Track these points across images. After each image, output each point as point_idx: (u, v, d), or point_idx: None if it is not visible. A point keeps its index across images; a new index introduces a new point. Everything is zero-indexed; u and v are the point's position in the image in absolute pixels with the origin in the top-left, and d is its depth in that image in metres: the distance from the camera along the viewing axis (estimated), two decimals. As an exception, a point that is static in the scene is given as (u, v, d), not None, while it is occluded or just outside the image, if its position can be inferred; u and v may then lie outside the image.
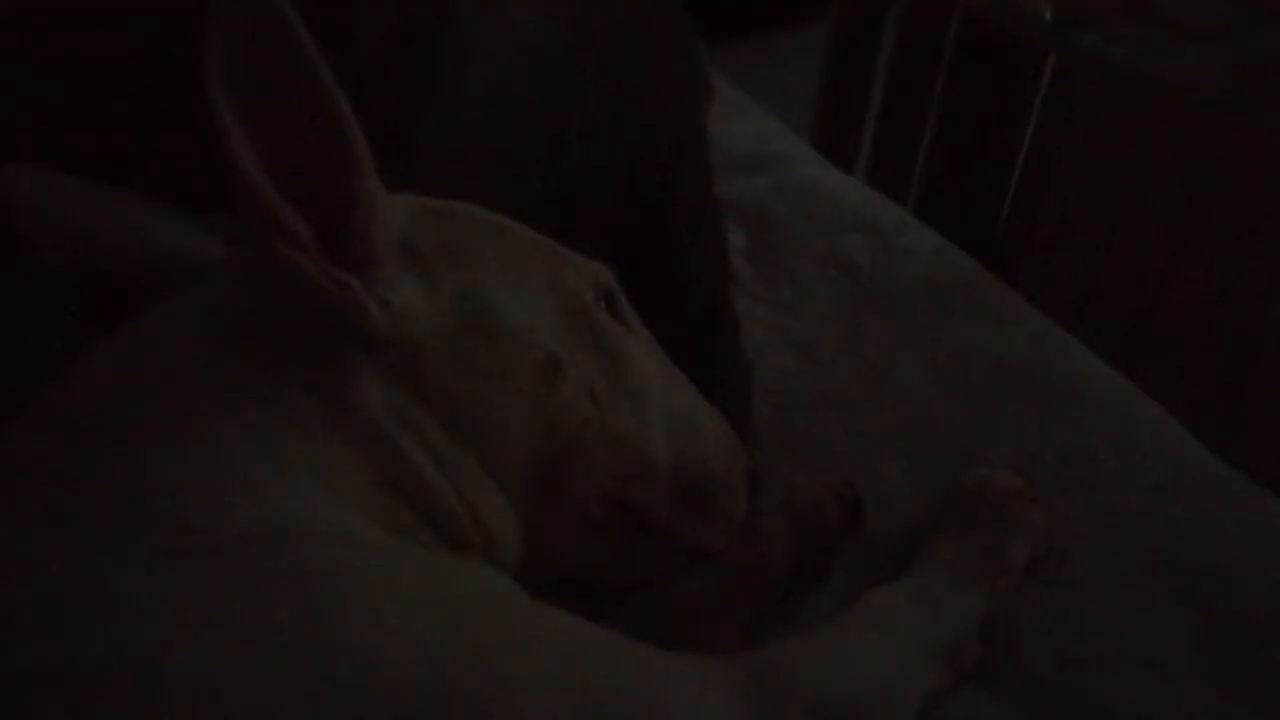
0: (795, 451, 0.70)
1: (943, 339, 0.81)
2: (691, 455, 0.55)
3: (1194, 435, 0.75)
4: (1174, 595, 0.64)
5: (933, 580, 0.58)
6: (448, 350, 0.45)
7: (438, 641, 0.37)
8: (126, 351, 0.42)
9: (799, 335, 0.80)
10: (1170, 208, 1.17)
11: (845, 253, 0.88)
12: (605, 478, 0.51)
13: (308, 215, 0.41)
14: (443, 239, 0.47)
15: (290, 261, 0.40)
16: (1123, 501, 0.69)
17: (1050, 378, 0.79)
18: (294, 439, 0.40)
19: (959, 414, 0.75)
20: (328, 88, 0.41)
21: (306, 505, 0.39)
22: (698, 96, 0.78)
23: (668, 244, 0.64)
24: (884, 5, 1.45)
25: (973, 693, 0.57)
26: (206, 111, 0.38)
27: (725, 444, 0.58)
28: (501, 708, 0.37)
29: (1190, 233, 1.15)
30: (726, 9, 2.12)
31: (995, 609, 0.59)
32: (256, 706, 0.33)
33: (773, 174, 0.98)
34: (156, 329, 0.43)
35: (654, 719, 0.41)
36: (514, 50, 0.60)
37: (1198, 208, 1.15)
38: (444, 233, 0.48)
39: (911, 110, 1.47)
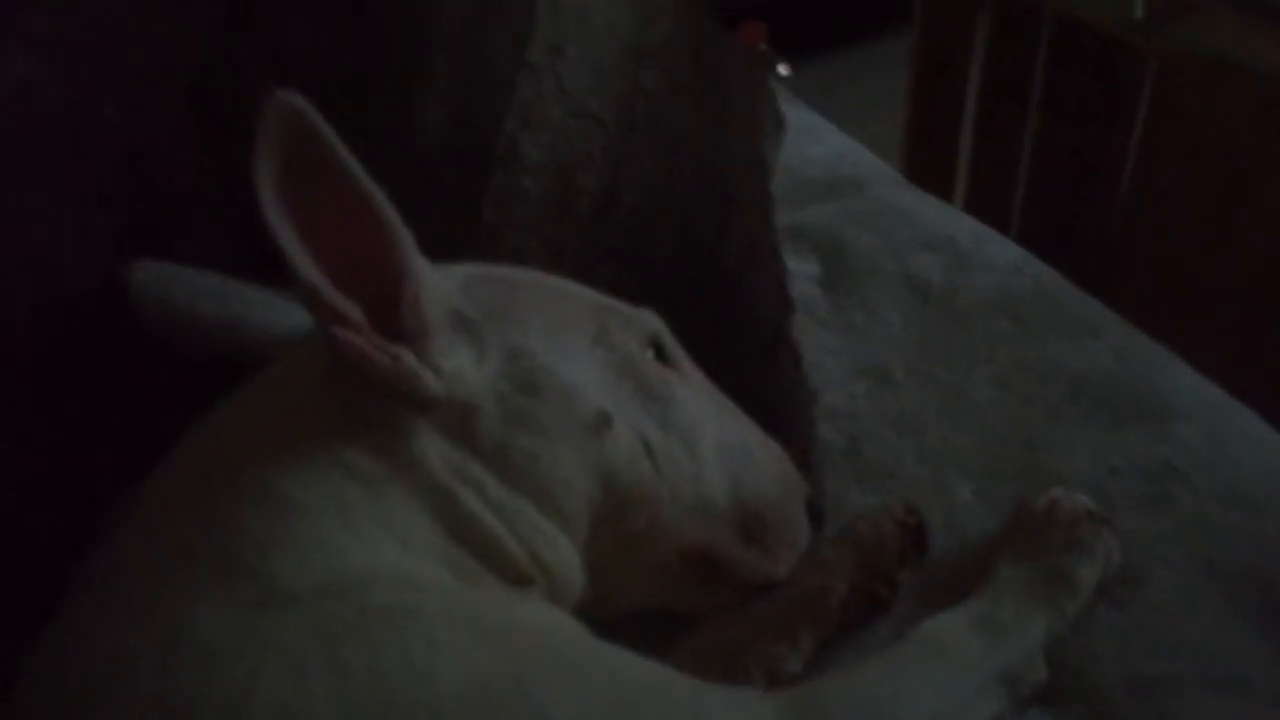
0: (864, 477, 0.72)
1: (1019, 355, 0.81)
2: (748, 489, 0.58)
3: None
4: (1259, 615, 0.62)
5: (995, 605, 0.58)
6: (500, 409, 0.49)
7: (487, 671, 0.41)
8: (224, 424, 0.49)
9: (870, 359, 0.81)
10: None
11: (918, 272, 0.88)
12: (674, 526, 0.54)
13: (361, 297, 0.46)
14: (491, 304, 0.52)
15: (346, 342, 0.46)
16: (1207, 517, 0.68)
17: (1133, 390, 0.77)
18: (363, 496, 0.46)
19: (1035, 431, 0.75)
20: (365, 187, 0.46)
21: (375, 555, 0.44)
22: (759, 134, 0.81)
23: (721, 281, 0.67)
24: (971, 15, 1.43)
25: (1040, 716, 0.58)
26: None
27: (782, 476, 0.61)
28: None
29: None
30: (815, 22, 2.14)
31: (1062, 632, 0.59)
32: None
33: (848, 198, 0.99)
34: (249, 402, 0.50)
35: None
36: (568, 118, 0.64)
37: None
38: (492, 298, 0.52)
39: (1009, 121, 1.45)
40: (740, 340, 0.67)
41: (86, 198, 0.55)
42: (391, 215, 0.47)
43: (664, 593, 0.56)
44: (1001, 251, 0.92)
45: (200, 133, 0.58)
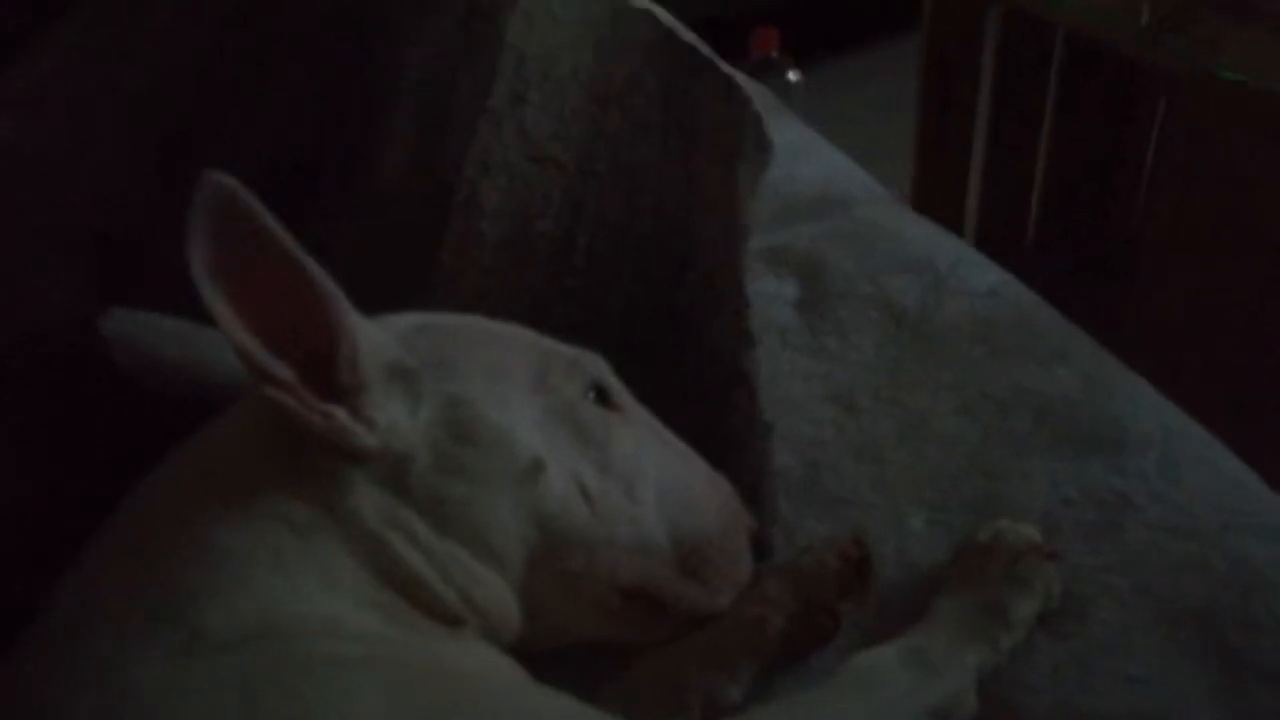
0: (820, 505, 0.74)
1: (988, 382, 0.82)
2: (688, 526, 0.60)
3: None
4: (1199, 648, 0.63)
5: (928, 639, 0.60)
6: (433, 457, 0.52)
7: (400, 712, 0.44)
8: (170, 472, 0.52)
9: (839, 385, 0.83)
10: None
11: (892, 295, 0.90)
12: (613, 566, 0.56)
13: (297, 357, 0.49)
14: (429, 354, 0.55)
15: (278, 402, 0.49)
16: (1156, 549, 0.69)
17: (1096, 419, 0.78)
18: (297, 545, 0.48)
19: (993, 461, 0.76)
20: (295, 257, 0.49)
21: (305, 604, 0.47)
22: (732, 166, 0.83)
23: (678, 319, 0.69)
24: (979, 18, 1.43)
25: (970, 748, 0.60)
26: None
27: (725, 511, 0.63)
28: None
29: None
30: (829, 24, 2.14)
31: (996, 665, 0.61)
32: None
33: (833, 218, 1.00)
34: (196, 451, 0.53)
35: None
36: (527, 163, 0.67)
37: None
38: (430, 348, 0.55)
39: (1021, 125, 1.45)
40: (696, 376, 0.69)
41: (60, 247, 0.59)
42: (324, 281, 0.50)
43: (604, 627, 0.59)
44: (979, 274, 0.92)
45: (169, 187, 0.61)
